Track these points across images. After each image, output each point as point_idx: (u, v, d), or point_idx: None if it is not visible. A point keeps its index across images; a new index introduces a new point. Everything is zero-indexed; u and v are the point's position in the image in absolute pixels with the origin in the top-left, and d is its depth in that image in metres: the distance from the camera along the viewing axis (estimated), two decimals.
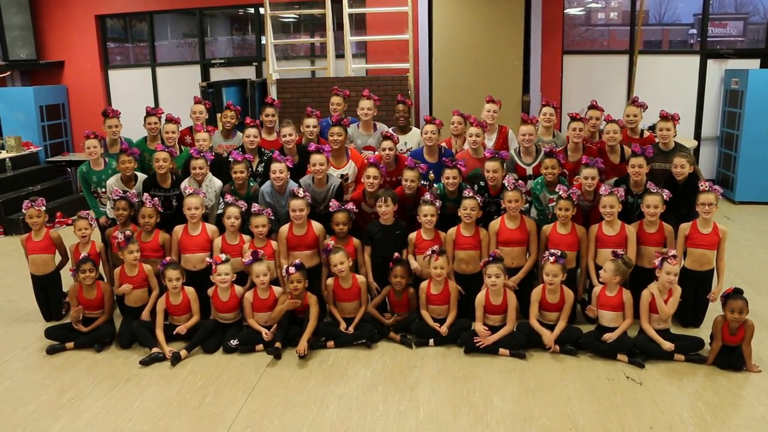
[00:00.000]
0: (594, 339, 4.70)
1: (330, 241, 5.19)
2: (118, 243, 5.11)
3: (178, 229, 5.42)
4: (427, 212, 5.15)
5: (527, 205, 5.44)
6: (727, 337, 4.47)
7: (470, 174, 5.61)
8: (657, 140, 5.59)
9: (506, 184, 5.11)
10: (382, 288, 5.26)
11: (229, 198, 5.36)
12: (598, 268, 5.06)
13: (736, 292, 4.46)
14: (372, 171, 5.41)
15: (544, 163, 5.31)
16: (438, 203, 5.20)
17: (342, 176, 5.84)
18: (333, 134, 5.81)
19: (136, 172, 5.82)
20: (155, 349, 4.78)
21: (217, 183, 5.75)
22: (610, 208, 4.98)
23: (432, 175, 5.67)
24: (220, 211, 5.65)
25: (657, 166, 5.45)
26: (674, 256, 4.56)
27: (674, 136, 5.57)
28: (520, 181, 5.20)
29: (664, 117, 5.50)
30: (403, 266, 5.09)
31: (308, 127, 6.17)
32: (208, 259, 5.08)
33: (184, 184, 5.60)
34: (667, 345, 4.54)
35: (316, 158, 5.45)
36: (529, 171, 5.69)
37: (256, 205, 5.33)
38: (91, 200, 6.04)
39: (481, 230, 5.24)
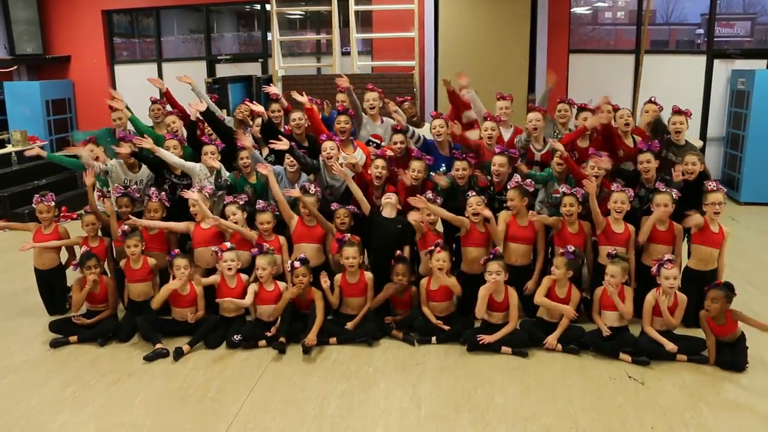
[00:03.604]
0: (597, 338, 4.70)
1: (347, 234, 5.19)
2: (123, 231, 5.15)
3: (190, 225, 5.46)
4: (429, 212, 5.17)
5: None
6: (715, 329, 4.49)
7: (485, 164, 5.60)
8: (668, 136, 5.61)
9: (508, 185, 5.13)
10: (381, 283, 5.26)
11: (227, 198, 5.38)
12: (602, 267, 5.07)
13: (724, 285, 4.51)
14: (380, 162, 5.44)
15: (556, 157, 5.35)
16: (439, 200, 5.24)
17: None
18: (339, 122, 5.85)
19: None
20: (159, 345, 4.79)
21: (225, 173, 5.77)
22: (621, 204, 4.99)
23: (444, 168, 5.68)
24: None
25: (669, 158, 5.46)
26: (670, 261, 4.57)
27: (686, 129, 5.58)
28: (528, 181, 5.19)
29: (677, 111, 5.51)
30: (405, 264, 5.09)
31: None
32: (213, 248, 5.12)
33: (197, 169, 5.60)
34: (671, 346, 4.54)
35: (327, 145, 5.48)
36: (537, 157, 5.75)
37: (261, 201, 5.35)
38: (69, 162, 6.04)
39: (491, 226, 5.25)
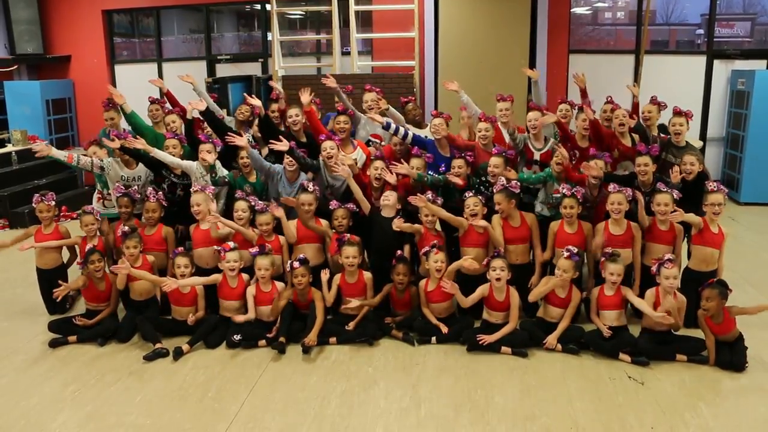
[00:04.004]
0: (597, 337, 4.70)
1: (346, 234, 5.19)
2: (123, 232, 5.13)
3: (191, 227, 5.47)
4: (429, 212, 5.18)
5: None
6: (713, 328, 4.49)
7: (481, 165, 5.62)
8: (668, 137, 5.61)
9: (494, 188, 5.15)
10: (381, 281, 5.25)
11: (238, 193, 5.37)
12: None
13: (717, 283, 4.51)
14: (379, 163, 5.43)
15: (555, 158, 5.35)
16: (440, 201, 5.24)
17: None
18: (339, 122, 5.87)
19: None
20: (158, 345, 4.79)
21: (221, 170, 5.77)
22: (618, 205, 4.97)
23: (443, 168, 5.68)
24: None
25: (668, 159, 5.45)
26: (670, 260, 4.56)
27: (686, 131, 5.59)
28: (513, 183, 5.18)
29: (678, 113, 5.52)
30: (405, 264, 5.09)
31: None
32: (216, 247, 5.12)
33: (193, 167, 5.62)
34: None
35: (327, 144, 5.49)
36: (537, 156, 5.75)
37: (260, 203, 5.34)
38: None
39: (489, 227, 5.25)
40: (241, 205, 5.30)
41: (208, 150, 5.57)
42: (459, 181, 5.40)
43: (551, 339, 4.74)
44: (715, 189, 4.87)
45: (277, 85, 6.32)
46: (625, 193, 4.98)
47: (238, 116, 6.56)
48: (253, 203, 5.31)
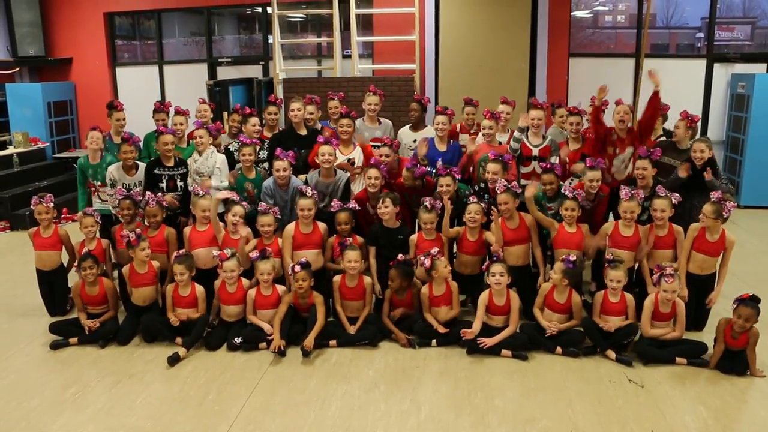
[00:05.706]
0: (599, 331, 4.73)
1: (348, 238, 5.20)
2: (128, 241, 5.07)
3: (187, 229, 5.46)
4: (426, 220, 5.22)
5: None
6: (729, 340, 4.45)
7: (482, 156, 5.66)
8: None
9: (497, 188, 5.15)
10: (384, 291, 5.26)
11: (235, 196, 5.38)
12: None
13: (752, 299, 4.39)
14: (373, 172, 5.44)
15: (543, 178, 5.39)
16: (439, 205, 5.24)
17: (349, 160, 5.92)
18: (342, 125, 5.91)
19: (138, 162, 5.86)
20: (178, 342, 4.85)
21: (219, 156, 5.81)
22: (631, 213, 5.00)
23: (440, 163, 5.70)
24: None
25: (665, 160, 5.48)
26: (671, 275, 4.54)
27: (690, 137, 5.65)
28: (514, 183, 5.20)
29: (684, 118, 5.58)
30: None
31: (311, 113, 6.28)
32: (214, 252, 5.12)
33: (190, 159, 5.75)
34: (674, 334, 4.58)
35: (324, 149, 5.50)
36: (535, 152, 5.79)
37: (263, 204, 5.35)
38: (82, 194, 6.04)
39: (485, 233, 5.28)
40: (238, 210, 5.30)
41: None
42: (447, 204, 5.28)
43: (553, 329, 4.76)
44: (713, 200, 4.82)
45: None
46: (637, 198, 4.98)
47: (232, 129, 6.58)
48: (245, 207, 5.34)
